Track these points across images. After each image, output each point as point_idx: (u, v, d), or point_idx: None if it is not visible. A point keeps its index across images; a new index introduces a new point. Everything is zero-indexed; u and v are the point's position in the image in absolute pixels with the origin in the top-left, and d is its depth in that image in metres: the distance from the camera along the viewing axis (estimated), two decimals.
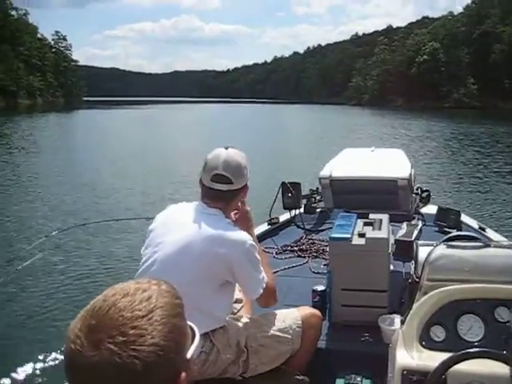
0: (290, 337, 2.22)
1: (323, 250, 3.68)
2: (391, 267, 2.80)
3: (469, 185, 12.16)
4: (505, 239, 3.80)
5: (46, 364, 3.94)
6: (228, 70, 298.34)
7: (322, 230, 4.17)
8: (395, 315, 2.46)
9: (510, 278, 1.88)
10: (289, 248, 3.82)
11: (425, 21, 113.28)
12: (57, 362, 3.93)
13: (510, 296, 1.80)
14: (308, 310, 2.39)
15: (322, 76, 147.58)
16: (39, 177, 12.99)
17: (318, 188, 4.67)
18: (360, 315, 2.61)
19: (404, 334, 1.82)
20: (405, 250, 2.99)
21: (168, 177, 13.29)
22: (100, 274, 5.89)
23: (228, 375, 2.13)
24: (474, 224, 4.20)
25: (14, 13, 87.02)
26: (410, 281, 2.42)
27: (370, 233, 2.67)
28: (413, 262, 2.46)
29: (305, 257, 3.66)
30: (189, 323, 0.84)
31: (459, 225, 4.07)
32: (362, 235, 2.62)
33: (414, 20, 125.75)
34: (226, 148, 2.16)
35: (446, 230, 3.91)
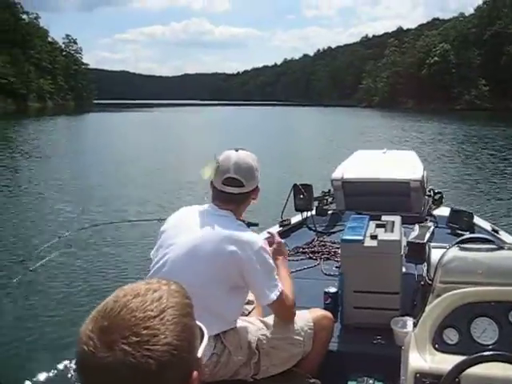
0: (301, 339, 2.21)
1: (335, 252, 3.67)
2: (403, 269, 2.79)
3: (481, 187, 12.07)
4: None
5: (58, 364, 3.95)
6: (238, 72, 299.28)
7: (334, 232, 4.17)
8: (408, 317, 2.46)
9: None
10: (300, 250, 3.81)
11: (435, 22, 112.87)
12: (68, 362, 3.95)
13: None
14: (320, 312, 2.38)
15: (332, 78, 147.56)
16: (51, 179, 13.05)
17: (329, 190, 4.67)
18: (372, 317, 2.60)
19: (417, 337, 1.81)
20: (417, 252, 2.98)
21: (179, 179, 13.31)
22: (111, 274, 5.91)
23: (239, 377, 2.12)
24: (487, 226, 4.17)
25: (24, 16, 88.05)
26: (422, 283, 2.41)
27: (382, 235, 2.66)
28: (425, 264, 2.45)
29: (316, 259, 3.65)
30: (197, 323, 0.85)
31: (472, 227, 4.04)
32: (374, 237, 2.61)
33: (424, 22, 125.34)
34: (237, 150, 2.15)
35: (459, 232, 3.89)
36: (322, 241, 3.96)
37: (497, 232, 3.99)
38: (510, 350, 1.50)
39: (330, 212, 4.58)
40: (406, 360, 1.78)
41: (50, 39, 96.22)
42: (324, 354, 2.33)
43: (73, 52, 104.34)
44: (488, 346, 1.73)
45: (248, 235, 2.06)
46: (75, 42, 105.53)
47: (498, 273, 1.88)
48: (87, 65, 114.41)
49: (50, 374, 3.86)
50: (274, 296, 2.06)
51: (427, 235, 3.55)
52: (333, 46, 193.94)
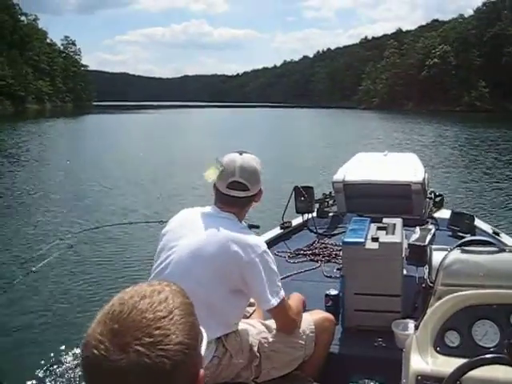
0: (303, 342, 2.20)
1: (336, 254, 3.67)
2: (405, 272, 2.79)
3: (482, 189, 12.07)
4: None
5: (60, 365, 3.96)
6: (237, 74, 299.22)
7: (335, 235, 4.17)
8: (409, 320, 2.46)
9: None
10: (301, 252, 3.82)
11: (435, 24, 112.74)
12: (69, 362, 3.96)
13: None
14: (321, 315, 2.38)
15: (332, 80, 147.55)
16: (51, 182, 13.08)
17: (330, 192, 4.67)
18: (373, 320, 2.60)
19: (418, 340, 1.81)
20: (418, 255, 2.97)
21: (180, 180, 13.33)
22: (113, 276, 5.91)
23: (241, 380, 2.12)
24: (488, 229, 4.18)
25: (23, 18, 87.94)
26: (423, 285, 2.41)
27: (384, 237, 2.66)
28: (426, 266, 2.45)
29: (317, 261, 3.66)
30: None
31: (473, 229, 4.05)
32: (375, 239, 2.62)
33: (423, 23, 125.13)
34: (241, 153, 2.15)
35: (460, 234, 3.90)
36: (323, 243, 3.96)
37: (498, 234, 4.00)
38: None
39: (331, 214, 4.59)
40: (407, 362, 1.78)
41: (48, 41, 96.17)
42: (325, 356, 2.33)
43: (72, 54, 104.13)
44: (489, 348, 1.73)
45: (251, 238, 2.06)
46: (74, 44, 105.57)
47: (499, 275, 1.88)
48: (86, 66, 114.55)
49: (51, 376, 3.86)
50: (274, 302, 2.04)
51: (428, 238, 3.54)
52: (332, 48, 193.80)
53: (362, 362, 2.44)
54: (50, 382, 3.79)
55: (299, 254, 3.80)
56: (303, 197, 4.30)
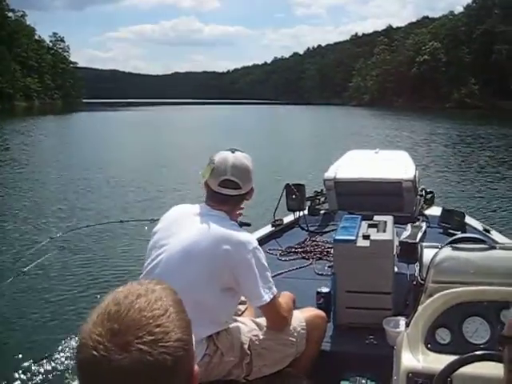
0: (294, 339, 2.21)
1: (327, 251, 3.68)
2: (396, 269, 2.80)
3: (473, 186, 12.14)
4: (510, 241, 3.81)
5: (50, 365, 3.95)
6: (228, 71, 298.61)
7: (327, 232, 4.17)
8: (400, 317, 2.46)
9: None
10: (293, 250, 3.82)
11: (425, 21, 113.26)
12: (60, 362, 3.95)
13: None
14: (312, 312, 2.38)
15: (322, 76, 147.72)
16: (39, 181, 12.98)
17: (322, 190, 4.68)
18: (364, 317, 2.61)
19: (409, 337, 1.82)
20: (409, 252, 2.99)
21: (171, 178, 13.31)
22: (104, 275, 5.89)
23: (232, 377, 2.12)
24: (479, 226, 4.20)
25: (10, 14, 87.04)
26: (414, 283, 2.41)
27: (375, 235, 2.67)
28: (417, 263, 2.46)
29: (309, 259, 3.66)
30: None
31: (464, 226, 4.06)
32: (366, 237, 2.62)
33: (413, 20, 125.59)
34: (233, 152, 2.14)
35: (451, 231, 3.91)
36: (314, 241, 3.97)
37: (488, 231, 4.02)
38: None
39: (322, 212, 4.59)
40: (398, 360, 1.79)
41: (36, 37, 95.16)
42: (317, 354, 2.33)
43: (60, 50, 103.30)
44: (480, 345, 1.74)
45: (242, 235, 2.06)
46: (62, 40, 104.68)
47: (489, 272, 1.89)
48: (75, 63, 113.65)
49: (42, 373, 3.85)
50: (267, 298, 2.04)
51: (419, 235, 3.56)
52: (323, 45, 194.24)
53: (353, 359, 2.45)
54: (41, 378, 3.79)
55: (291, 252, 3.79)
56: (294, 194, 4.30)
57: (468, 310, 1.80)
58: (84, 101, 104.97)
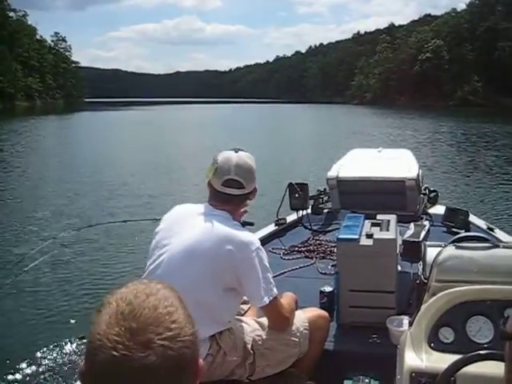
0: (297, 339, 2.20)
1: (331, 250, 3.67)
2: (399, 268, 2.79)
3: (477, 185, 12.10)
4: None
5: (54, 364, 3.96)
6: (230, 70, 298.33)
7: (330, 231, 4.17)
8: (403, 316, 2.46)
9: None
10: (296, 249, 3.81)
11: (427, 18, 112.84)
12: (65, 361, 3.96)
13: None
14: (315, 312, 2.38)
15: (325, 75, 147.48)
16: (42, 180, 13.01)
17: (325, 189, 4.66)
18: (368, 316, 2.61)
19: (412, 336, 1.81)
20: (413, 251, 2.98)
21: (173, 177, 13.32)
22: (106, 275, 5.91)
23: (235, 377, 2.12)
24: (483, 224, 4.19)
25: (12, 14, 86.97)
26: (418, 282, 2.41)
27: (378, 234, 2.66)
28: (421, 262, 2.45)
29: (312, 258, 3.65)
30: None
31: (467, 225, 4.06)
32: (369, 236, 2.62)
33: (416, 18, 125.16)
34: (236, 151, 2.15)
35: (454, 230, 3.90)
36: (317, 240, 3.96)
37: (492, 230, 4.00)
38: None
39: (325, 211, 4.59)
40: (401, 359, 1.79)
41: (38, 37, 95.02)
42: (320, 353, 2.33)
43: (62, 50, 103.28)
44: (483, 344, 1.74)
45: (245, 235, 2.06)
46: (64, 40, 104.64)
47: (493, 271, 1.88)
48: (77, 63, 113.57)
49: (44, 373, 3.86)
50: (267, 299, 2.04)
51: (423, 234, 3.54)
52: (325, 43, 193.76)
53: (356, 359, 2.45)
54: (41, 378, 3.80)
55: (294, 251, 3.79)
56: (297, 193, 4.30)
57: (471, 308, 1.79)
58: (86, 100, 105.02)
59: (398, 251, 2.72)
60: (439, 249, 2.05)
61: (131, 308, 0.78)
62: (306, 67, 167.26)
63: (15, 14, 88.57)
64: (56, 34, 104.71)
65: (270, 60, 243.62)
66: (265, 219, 4.97)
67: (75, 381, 2.31)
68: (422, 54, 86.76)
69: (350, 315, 2.65)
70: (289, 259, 3.66)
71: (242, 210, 2.23)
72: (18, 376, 3.82)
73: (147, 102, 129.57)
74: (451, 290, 1.83)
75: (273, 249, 3.78)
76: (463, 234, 2.67)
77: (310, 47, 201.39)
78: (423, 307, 1.86)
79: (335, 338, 2.56)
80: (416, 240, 3.33)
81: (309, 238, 4.00)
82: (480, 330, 1.78)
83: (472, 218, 4.26)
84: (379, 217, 2.94)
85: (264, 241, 3.69)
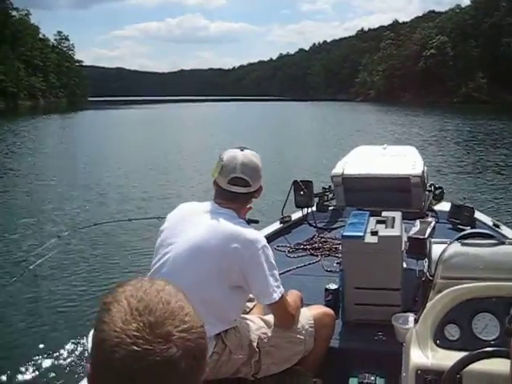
0: (302, 337, 2.21)
1: (336, 248, 3.67)
2: (404, 265, 2.79)
3: (482, 181, 12.07)
4: None
5: (58, 363, 3.97)
6: (234, 67, 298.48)
7: (335, 228, 4.17)
8: (409, 314, 2.45)
9: None
10: (301, 246, 3.81)
11: (431, 15, 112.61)
12: (70, 360, 3.97)
13: None
14: (320, 309, 2.38)
15: (328, 72, 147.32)
16: (47, 179, 13.03)
17: (330, 186, 4.66)
18: (373, 314, 2.60)
19: (418, 333, 1.81)
20: (418, 248, 2.97)
21: (178, 176, 13.33)
22: (111, 273, 5.92)
23: (240, 375, 2.12)
24: (488, 221, 4.18)
25: (14, 13, 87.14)
26: (423, 279, 2.40)
27: (383, 231, 2.66)
28: (426, 259, 2.44)
29: (317, 255, 3.65)
30: None
31: (473, 222, 4.05)
32: (374, 233, 2.61)
33: (420, 14, 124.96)
34: (242, 149, 2.15)
35: (460, 227, 3.90)
36: (322, 237, 3.96)
37: (498, 227, 3.99)
38: None
39: (330, 208, 4.58)
40: (407, 356, 1.78)
41: (41, 36, 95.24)
42: (325, 351, 2.33)
43: (65, 49, 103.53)
44: (490, 341, 1.73)
45: (250, 233, 2.06)
46: (67, 39, 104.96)
47: (499, 268, 1.87)
48: (81, 62, 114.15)
49: (48, 372, 3.87)
50: (276, 296, 2.05)
51: (428, 231, 3.52)
52: (328, 40, 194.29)
53: (362, 356, 2.44)
54: (46, 377, 3.81)
55: (299, 249, 3.79)
56: (302, 191, 4.30)
57: (477, 306, 1.78)
58: (90, 99, 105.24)
59: (403, 248, 2.72)
60: (445, 246, 2.04)
61: (145, 304, 0.79)
62: (310, 65, 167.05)
63: (18, 13, 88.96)
64: (59, 32, 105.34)
65: (274, 58, 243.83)
66: (270, 217, 4.98)
67: (79, 381, 2.31)
68: (426, 51, 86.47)
69: (355, 313, 2.65)
70: (294, 257, 3.66)
71: (247, 207, 2.23)
72: (21, 377, 3.84)
73: (151, 100, 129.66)
74: (457, 287, 1.82)
75: (278, 246, 3.78)
76: (469, 230, 2.66)
77: (314, 44, 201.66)
78: (429, 304, 1.85)
79: (340, 335, 2.56)
80: (421, 237, 3.32)
81: (314, 236, 4.00)
82: (486, 327, 1.77)
83: (478, 215, 4.25)
84: (384, 214, 2.93)
85: (269, 238, 3.68)
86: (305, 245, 3.84)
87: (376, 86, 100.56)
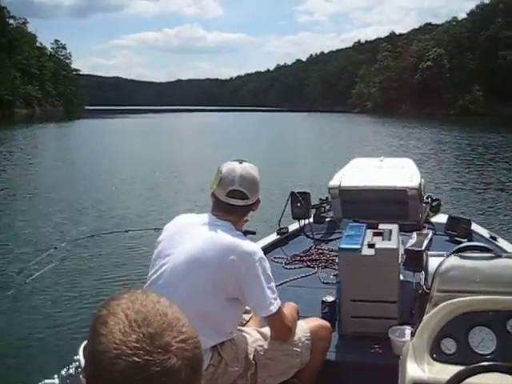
0: (299, 350, 2.20)
1: (332, 260, 3.66)
2: (401, 278, 2.79)
3: (479, 193, 12.09)
4: None
5: (57, 375, 3.94)
6: (231, 78, 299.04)
7: (332, 240, 4.16)
8: (406, 326, 2.45)
9: None
10: (298, 258, 3.81)
11: (428, 27, 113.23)
12: (68, 371, 3.93)
13: None
14: (317, 322, 2.37)
15: (325, 83, 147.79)
16: (44, 189, 12.99)
17: (327, 198, 4.66)
18: (370, 326, 2.60)
19: (414, 347, 1.81)
20: (415, 261, 2.97)
21: (174, 187, 13.31)
22: (108, 285, 5.89)
23: None
24: (485, 233, 4.18)
25: (11, 21, 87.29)
26: (420, 292, 2.41)
27: (380, 243, 2.66)
28: (423, 272, 2.45)
29: (314, 267, 3.64)
30: None
31: (470, 234, 4.05)
32: (371, 245, 2.61)
33: (416, 27, 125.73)
34: (240, 162, 2.16)
35: (457, 239, 3.90)
36: (319, 249, 3.95)
37: (495, 239, 3.99)
38: (508, 360, 1.50)
39: (327, 220, 4.58)
40: (403, 370, 1.78)
41: (38, 44, 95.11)
42: (322, 364, 2.32)
43: (62, 57, 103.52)
44: (486, 355, 1.73)
45: (248, 245, 2.06)
46: (64, 48, 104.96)
47: (496, 281, 1.88)
48: (78, 70, 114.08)
49: None
50: (273, 308, 2.05)
51: (425, 243, 3.53)
52: (325, 52, 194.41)
53: (358, 369, 2.44)
54: None
55: (296, 260, 3.78)
56: (299, 202, 4.29)
57: (474, 319, 1.78)
58: (86, 108, 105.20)
59: (400, 261, 2.71)
60: (441, 258, 2.05)
61: (143, 316, 0.80)
62: (307, 76, 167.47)
63: (15, 21, 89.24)
64: (56, 41, 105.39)
65: (271, 68, 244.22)
66: (267, 228, 4.97)
67: None
68: (422, 63, 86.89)
69: (351, 325, 2.64)
70: (290, 268, 3.65)
71: (244, 220, 2.24)
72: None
73: (148, 109, 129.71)
74: (453, 300, 1.82)
75: (275, 258, 3.77)
76: (466, 243, 2.66)
77: (311, 56, 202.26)
78: (425, 317, 1.85)
79: (337, 348, 2.55)
80: (418, 249, 3.33)
81: (311, 247, 4.00)
82: (482, 340, 1.77)
83: (475, 227, 4.25)
84: (381, 226, 2.93)
85: (266, 250, 3.67)
86: (301, 256, 3.83)
87: (373, 98, 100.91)
